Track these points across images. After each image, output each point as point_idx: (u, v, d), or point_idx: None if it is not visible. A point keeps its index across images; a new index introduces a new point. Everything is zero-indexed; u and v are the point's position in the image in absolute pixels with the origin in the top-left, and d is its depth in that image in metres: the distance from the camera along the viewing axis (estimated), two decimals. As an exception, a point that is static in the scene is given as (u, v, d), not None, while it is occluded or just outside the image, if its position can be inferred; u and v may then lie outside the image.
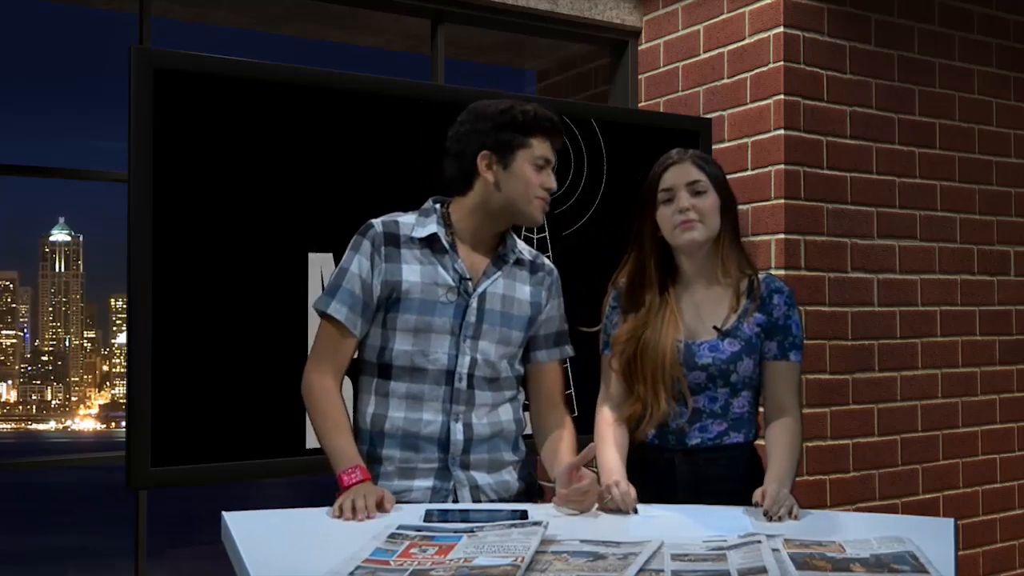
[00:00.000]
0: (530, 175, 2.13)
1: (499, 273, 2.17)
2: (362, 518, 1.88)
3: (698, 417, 2.22)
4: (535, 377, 2.28)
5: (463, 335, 2.12)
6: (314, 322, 2.23)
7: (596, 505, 2.03)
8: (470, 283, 2.13)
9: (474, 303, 2.13)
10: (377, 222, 2.16)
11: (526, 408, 2.28)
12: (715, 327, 2.22)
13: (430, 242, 2.14)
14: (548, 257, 2.47)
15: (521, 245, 2.25)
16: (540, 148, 2.14)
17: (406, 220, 2.17)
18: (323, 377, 2.12)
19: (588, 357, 2.41)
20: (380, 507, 1.93)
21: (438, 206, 2.19)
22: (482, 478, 2.14)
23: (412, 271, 2.11)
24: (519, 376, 2.24)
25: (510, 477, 2.20)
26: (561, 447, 2.22)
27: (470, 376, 2.12)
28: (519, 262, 2.22)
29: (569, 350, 2.31)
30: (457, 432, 2.11)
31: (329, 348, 2.13)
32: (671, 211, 2.20)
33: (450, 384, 2.12)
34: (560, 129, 2.19)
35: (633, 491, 2.04)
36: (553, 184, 2.17)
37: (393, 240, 2.13)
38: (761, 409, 2.29)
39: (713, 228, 2.21)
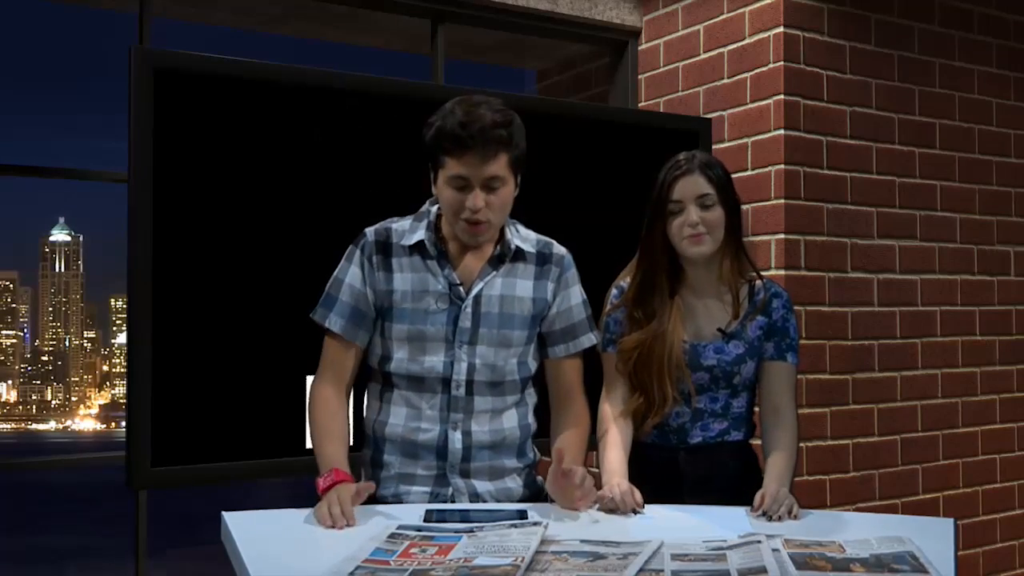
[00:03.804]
0: (447, 195, 2.02)
1: (495, 273, 2.10)
2: (341, 526, 1.82)
3: (700, 416, 2.26)
4: (550, 372, 2.21)
5: (458, 341, 2.07)
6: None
7: (596, 503, 2.02)
8: (461, 288, 2.08)
9: (468, 308, 2.07)
10: (370, 231, 2.13)
11: (537, 409, 2.22)
12: (719, 329, 2.25)
13: (419, 249, 2.09)
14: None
15: (525, 235, 2.16)
16: (453, 167, 1.98)
17: (399, 226, 2.13)
18: (321, 387, 2.13)
19: (589, 356, 2.39)
20: (354, 501, 1.88)
21: (434, 208, 2.13)
22: (482, 485, 2.11)
23: (403, 280, 2.09)
24: (529, 377, 2.18)
25: (513, 484, 2.15)
26: (563, 449, 2.12)
27: (469, 383, 2.08)
28: (521, 256, 2.13)
29: (587, 340, 2.20)
30: (455, 441, 2.08)
31: (330, 359, 2.13)
32: (680, 223, 2.22)
33: (447, 392, 2.08)
34: (483, 141, 1.95)
35: (638, 493, 2.04)
36: (477, 204, 1.98)
37: (384, 249, 2.10)
38: (756, 409, 2.31)
39: (720, 239, 2.23)
